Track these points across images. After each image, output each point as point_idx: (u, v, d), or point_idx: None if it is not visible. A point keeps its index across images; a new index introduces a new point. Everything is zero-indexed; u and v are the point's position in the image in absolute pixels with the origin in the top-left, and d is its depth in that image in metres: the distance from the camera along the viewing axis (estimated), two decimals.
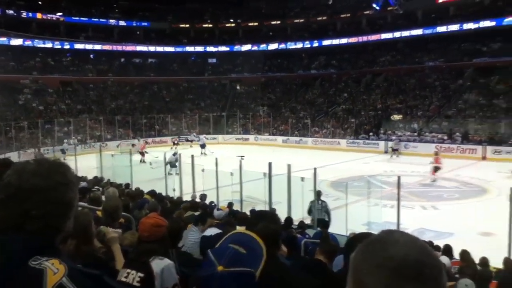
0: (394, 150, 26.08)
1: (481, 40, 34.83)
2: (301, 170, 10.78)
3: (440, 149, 25.07)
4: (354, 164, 22.70)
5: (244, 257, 1.61)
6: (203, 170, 13.19)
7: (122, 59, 45.96)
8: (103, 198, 5.97)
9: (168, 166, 17.51)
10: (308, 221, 10.21)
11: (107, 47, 43.91)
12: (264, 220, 1.93)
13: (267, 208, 10.48)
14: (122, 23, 46.52)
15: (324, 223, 9.69)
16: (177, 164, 17.08)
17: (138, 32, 47.43)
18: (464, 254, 7.13)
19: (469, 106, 30.06)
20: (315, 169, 10.45)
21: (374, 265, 0.83)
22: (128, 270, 2.42)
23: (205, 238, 4.89)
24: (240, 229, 1.88)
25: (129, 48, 45.37)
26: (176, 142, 32.21)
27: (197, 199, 10.77)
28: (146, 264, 2.45)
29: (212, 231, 5.25)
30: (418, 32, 38.07)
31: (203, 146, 28.66)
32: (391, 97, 35.40)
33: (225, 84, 46.36)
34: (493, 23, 33.76)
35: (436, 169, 18.03)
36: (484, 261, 6.91)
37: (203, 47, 47.66)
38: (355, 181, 15.08)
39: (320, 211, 10.19)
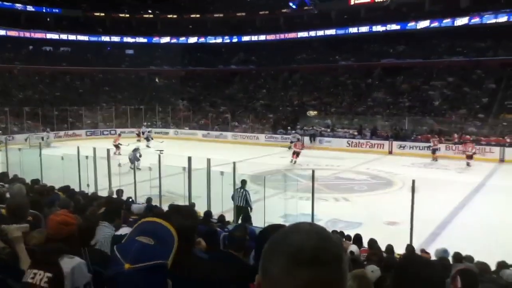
0: (147, 140, 27.90)
1: (388, 42, 37.35)
2: (221, 164, 10.84)
3: (352, 143, 26.63)
4: (272, 158, 23.26)
5: (153, 249, 1.53)
6: (119, 165, 12.74)
7: (31, 47, 42.76)
8: (8, 195, 5.55)
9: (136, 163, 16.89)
10: (229, 214, 10.32)
11: (13, 33, 40.56)
12: (178, 215, 1.86)
13: (186, 203, 10.40)
14: (30, 8, 43.26)
15: (243, 211, 10.51)
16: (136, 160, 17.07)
17: (48, 19, 44.38)
18: (372, 242, 7.64)
19: (377, 104, 32.09)
20: (234, 163, 10.57)
21: (276, 253, 0.88)
22: (35, 271, 2.28)
23: (116, 237, 4.73)
24: (148, 218, 1.74)
25: (38, 35, 42.32)
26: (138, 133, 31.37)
27: (114, 195, 10.40)
28: (54, 264, 2.32)
29: (125, 231, 5.09)
30: (331, 32, 39.82)
31: (147, 139, 27.94)
32: (307, 94, 36.70)
33: (143, 77, 45.04)
34: (398, 27, 36.35)
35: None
36: (389, 248, 7.45)
37: (119, 37, 45.83)
38: (273, 175, 15.48)
39: (240, 198, 10.75)
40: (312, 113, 32.65)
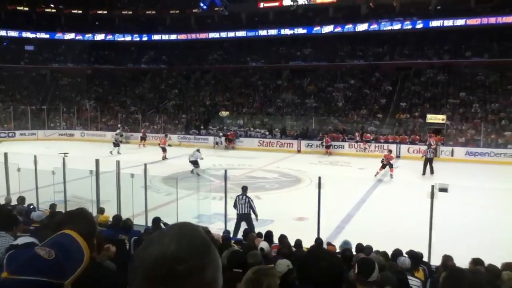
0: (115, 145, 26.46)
1: (295, 45, 38.87)
2: (132, 166, 10.57)
3: (263, 143, 27.31)
4: (185, 159, 23.08)
5: (46, 263, 1.31)
6: (18, 170, 11.86)
7: None
8: None
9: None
10: (141, 218, 10.10)
11: None
12: (73, 221, 1.64)
13: (95, 208, 10.00)
14: None
15: (247, 218, 10.13)
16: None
17: None
18: (282, 238, 7.97)
19: (286, 105, 33.27)
20: (145, 164, 10.37)
21: (134, 269, 0.80)
22: None
23: (12, 247, 4.47)
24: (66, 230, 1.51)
25: None
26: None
27: (14, 202, 9.67)
28: None
29: (24, 240, 4.82)
30: (242, 33, 40.45)
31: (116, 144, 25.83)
32: (219, 94, 36.93)
33: (45, 75, 42.12)
34: (304, 31, 37.99)
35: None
36: (298, 243, 7.83)
37: (18, 32, 42.38)
38: (186, 175, 15.40)
39: (243, 206, 10.34)
40: (224, 113, 32.93)
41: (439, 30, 33.65)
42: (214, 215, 10.61)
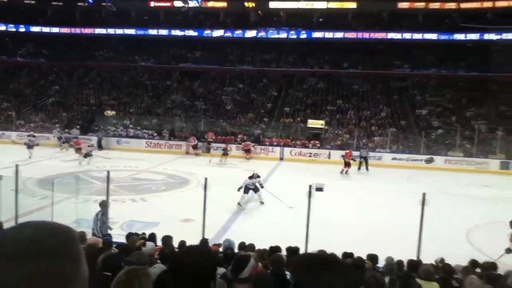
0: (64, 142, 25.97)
1: (186, 47, 38.76)
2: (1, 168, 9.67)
3: (150, 144, 26.80)
4: (65, 160, 21.67)
5: None
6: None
7: None
8: None
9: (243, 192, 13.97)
10: (9, 224, 9.27)
11: None
12: None
13: None
14: None
15: None
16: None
17: None
18: (165, 239, 7.96)
19: (176, 106, 33.00)
20: (17, 166, 9.57)
21: None
22: None
23: None
24: None
25: None
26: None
27: None
28: None
29: None
30: (131, 31, 39.19)
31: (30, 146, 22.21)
32: (105, 92, 35.29)
33: None
34: (195, 33, 38.09)
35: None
36: (182, 244, 7.90)
37: None
38: (64, 178, 14.48)
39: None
40: (110, 113, 31.54)
41: (321, 42, 36.15)
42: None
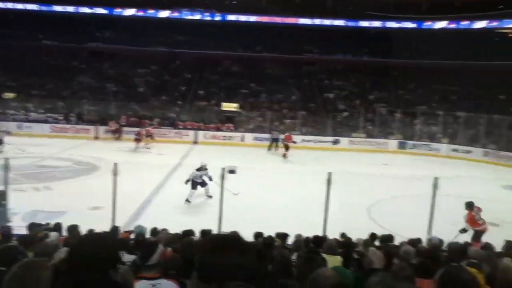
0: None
1: (95, 26, 36.57)
2: None
3: (56, 129, 25.21)
4: None
5: None
6: None
7: None
8: None
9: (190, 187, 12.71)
10: None
11: None
12: None
13: None
14: None
15: None
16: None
17: None
18: (71, 228, 7.62)
19: (83, 88, 31.26)
20: None
21: None
22: None
23: None
24: None
25: None
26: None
27: None
28: None
29: None
30: (33, 7, 36.03)
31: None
32: (3, 73, 32.29)
33: None
34: (106, 11, 36.07)
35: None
36: (89, 233, 7.64)
37: None
38: None
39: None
40: (9, 95, 29.02)
41: (235, 25, 36.17)
42: None
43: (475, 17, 33.05)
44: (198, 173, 12.98)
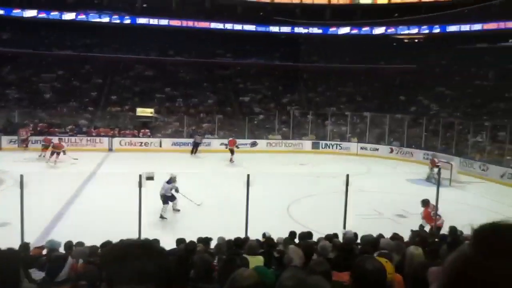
0: None
1: None
2: None
3: None
4: None
5: None
6: None
7: None
8: None
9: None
10: None
11: None
12: None
13: None
14: None
15: None
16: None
17: None
18: None
19: None
20: None
21: None
22: None
23: None
24: None
25: None
26: None
27: None
28: None
29: None
30: None
31: None
32: None
33: None
34: (2, 12, 33.30)
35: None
36: None
37: None
38: None
39: None
40: None
41: (146, 28, 35.35)
42: None
43: (374, 23, 35.62)
44: (169, 185, 12.56)
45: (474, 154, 22.81)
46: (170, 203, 12.65)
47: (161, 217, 12.29)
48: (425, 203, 10.77)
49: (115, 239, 6.74)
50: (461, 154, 22.74)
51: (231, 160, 22.30)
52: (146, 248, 1.23)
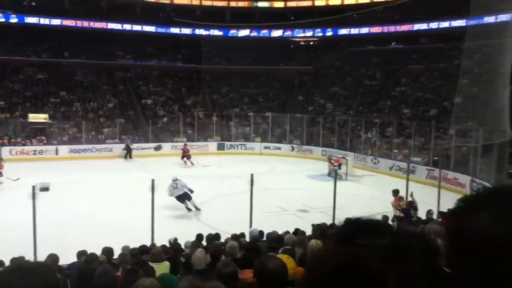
0: None
1: None
2: None
3: None
4: None
5: None
6: None
7: None
8: None
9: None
10: None
11: None
12: None
13: None
14: None
15: None
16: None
17: None
18: None
19: None
20: None
21: None
22: None
23: None
24: None
25: None
26: None
27: None
28: None
29: None
30: None
31: None
32: None
33: None
34: None
35: None
36: None
37: None
38: None
39: None
40: None
41: (37, 28, 32.89)
42: None
43: (272, 26, 36.90)
44: (175, 184, 13.52)
45: (367, 149, 24.73)
46: (187, 202, 13.57)
47: (192, 209, 13.56)
48: (396, 192, 11.97)
49: (6, 258, 6.35)
50: (355, 150, 24.54)
51: (191, 163, 22.92)
52: (25, 266, 1.25)
